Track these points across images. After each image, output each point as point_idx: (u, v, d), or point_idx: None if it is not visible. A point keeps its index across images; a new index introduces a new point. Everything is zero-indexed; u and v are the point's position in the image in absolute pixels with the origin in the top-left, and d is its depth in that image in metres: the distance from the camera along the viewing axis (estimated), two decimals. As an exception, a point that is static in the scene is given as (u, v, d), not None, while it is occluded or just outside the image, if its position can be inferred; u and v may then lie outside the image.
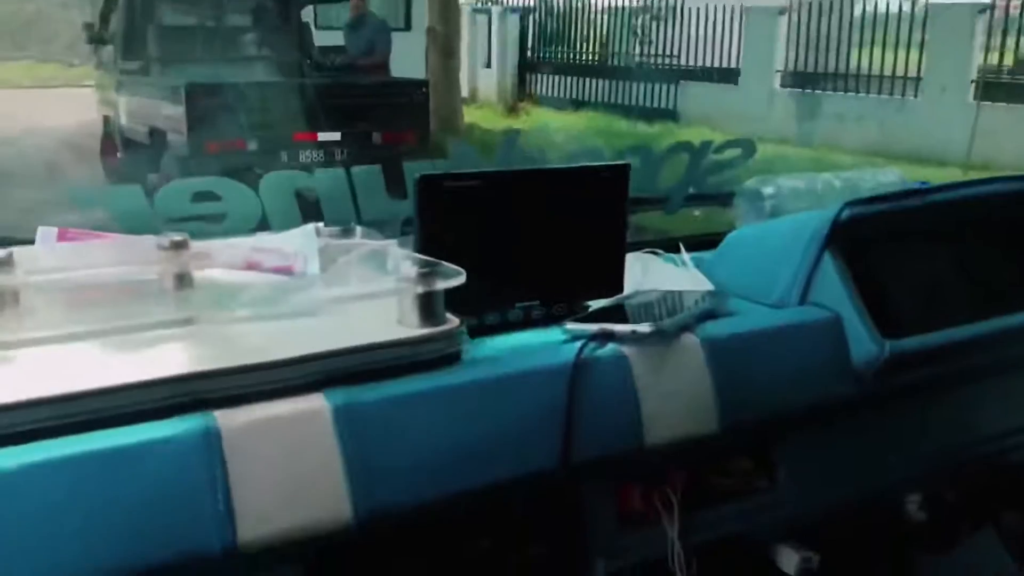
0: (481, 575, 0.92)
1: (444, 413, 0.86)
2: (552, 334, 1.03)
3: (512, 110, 11.38)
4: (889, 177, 1.49)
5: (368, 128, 5.98)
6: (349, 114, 6.05)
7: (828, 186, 1.40)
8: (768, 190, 1.37)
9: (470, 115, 9.74)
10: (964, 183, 1.17)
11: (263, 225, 1.11)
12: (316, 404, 0.81)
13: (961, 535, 0.83)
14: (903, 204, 1.12)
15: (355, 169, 1.16)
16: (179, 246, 0.86)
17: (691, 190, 1.44)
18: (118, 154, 6.92)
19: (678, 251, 1.33)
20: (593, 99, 11.25)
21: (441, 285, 0.88)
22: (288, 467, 0.79)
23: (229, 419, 0.78)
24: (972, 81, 8.02)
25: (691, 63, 10.51)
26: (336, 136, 5.91)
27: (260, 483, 0.78)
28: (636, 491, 1.01)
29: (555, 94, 11.73)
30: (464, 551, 0.92)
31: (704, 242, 1.34)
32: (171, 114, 5.97)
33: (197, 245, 0.90)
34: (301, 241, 0.97)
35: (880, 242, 1.16)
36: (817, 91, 9.21)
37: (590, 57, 11.80)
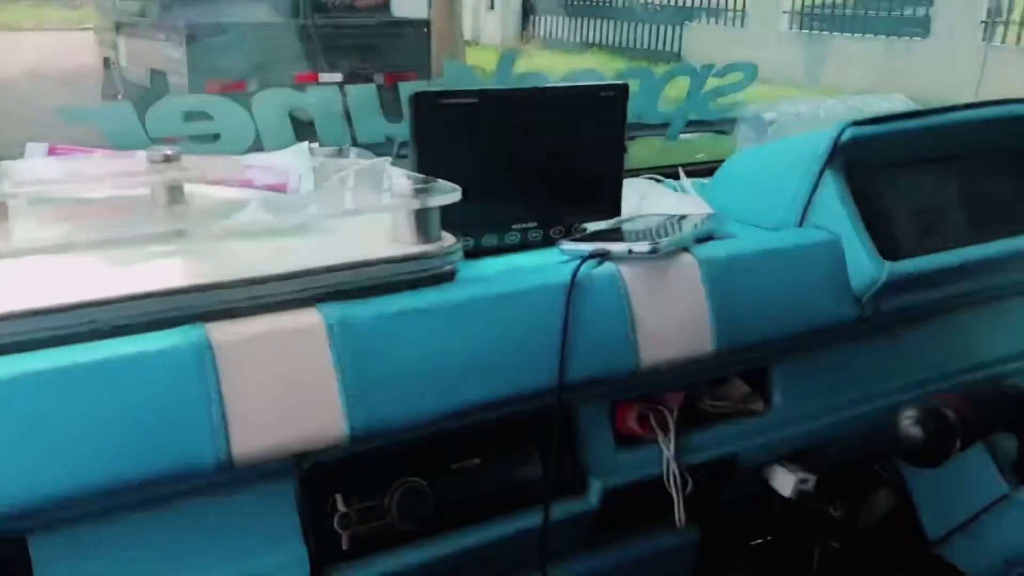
0: (474, 493, 0.92)
1: (439, 330, 0.85)
2: (548, 255, 1.03)
3: (516, 53, 11.24)
4: (895, 104, 1.47)
5: (370, 69, 5.93)
6: (350, 55, 6.00)
7: (832, 111, 1.38)
8: (770, 115, 1.35)
9: (473, 57, 9.62)
10: (969, 105, 1.15)
11: (257, 146, 1.10)
12: (310, 319, 0.81)
13: (953, 450, 0.83)
14: (906, 125, 1.10)
15: (350, 88, 1.15)
16: (170, 160, 0.85)
17: (692, 116, 1.42)
18: (119, 96, 6.86)
19: (678, 178, 1.32)
20: (599, 41, 11.13)
21: (436, 202, 0.87)
22: (283, 381, 0.79)
23: (222, 332, 0.77)
24: (982, 22, 7.91)
25: (697, 3, 10.38)
26: (338, 77, 5.86)
27: (255, 396, 0.78)
28: (632, 411, 1.01)
29: (560, 36, 11.59)
30: (458, 469, 0.92)
31: (706, 169, 1.33)
32: (171, 55, 5.92)
33: (189, 160, 0.89)
34: (294, 159, 0.96)
35: (882, 164, 1.14)
36: (825, 32, 9.11)
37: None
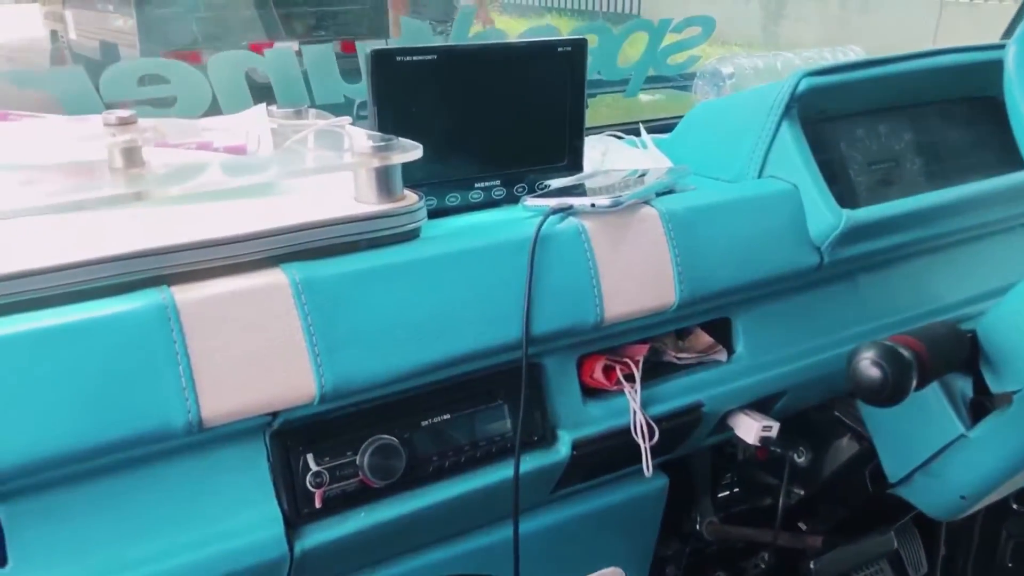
0: (445, 448, 0.93)
1: (403, 288, 0.86)
2: (512, 212, 1.03)
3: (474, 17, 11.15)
4: (850, 56, 1.49)
5: (326, 37, 5.85)
6: (306, 23, 5.90)
7: (789, 65, 1.39)
8: (728, 70, 1.36)
9: (431, 24, 9.52)
10: (922, 53, 1.16)
11: (215, 110, 1.09)
12: (276, 278, 0.81)
13: (909, 388, 0.85)
14: (861, 74, 1.11)
15: (306, 49, 1.14)
16: (126, 123, 0.84)
17: (652, 72, 1.42)
18: (69, 70, 6.69)
19: (639, 134, 1.32)
20: (557, 5, 11.07)
21: (397, 159, 0.87)
22: (251, 341, 0.79)
23: (186, 294, 0.77)
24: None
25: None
26: (293, 46, 5.77)
27: (223, 357, 0.78)
28: (598, 364, 1.02)
29: (518, 0, 11.50)
30: (428, 425, 0.93)
31: (667, 126, 1.34)
32: (121, 26, 5.79)
33: (145, 123, 0.87)
34: (252, 121, 0.95)
35: (839, 114, 1.15)
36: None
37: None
